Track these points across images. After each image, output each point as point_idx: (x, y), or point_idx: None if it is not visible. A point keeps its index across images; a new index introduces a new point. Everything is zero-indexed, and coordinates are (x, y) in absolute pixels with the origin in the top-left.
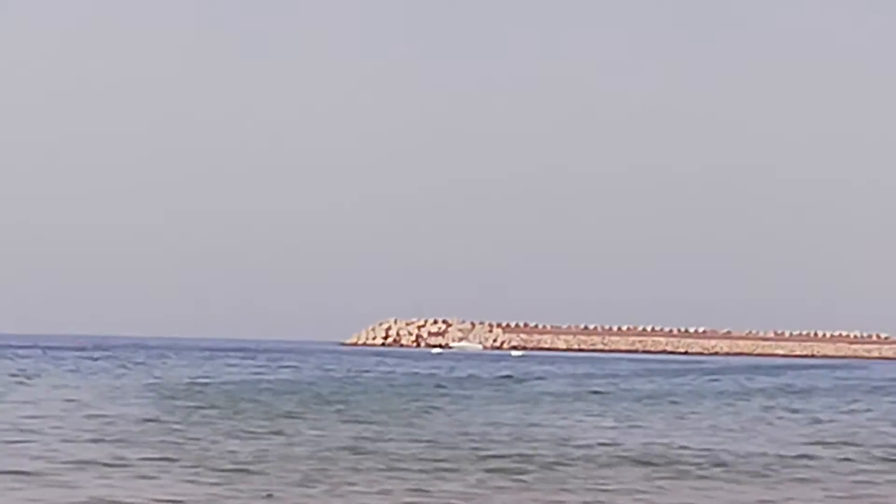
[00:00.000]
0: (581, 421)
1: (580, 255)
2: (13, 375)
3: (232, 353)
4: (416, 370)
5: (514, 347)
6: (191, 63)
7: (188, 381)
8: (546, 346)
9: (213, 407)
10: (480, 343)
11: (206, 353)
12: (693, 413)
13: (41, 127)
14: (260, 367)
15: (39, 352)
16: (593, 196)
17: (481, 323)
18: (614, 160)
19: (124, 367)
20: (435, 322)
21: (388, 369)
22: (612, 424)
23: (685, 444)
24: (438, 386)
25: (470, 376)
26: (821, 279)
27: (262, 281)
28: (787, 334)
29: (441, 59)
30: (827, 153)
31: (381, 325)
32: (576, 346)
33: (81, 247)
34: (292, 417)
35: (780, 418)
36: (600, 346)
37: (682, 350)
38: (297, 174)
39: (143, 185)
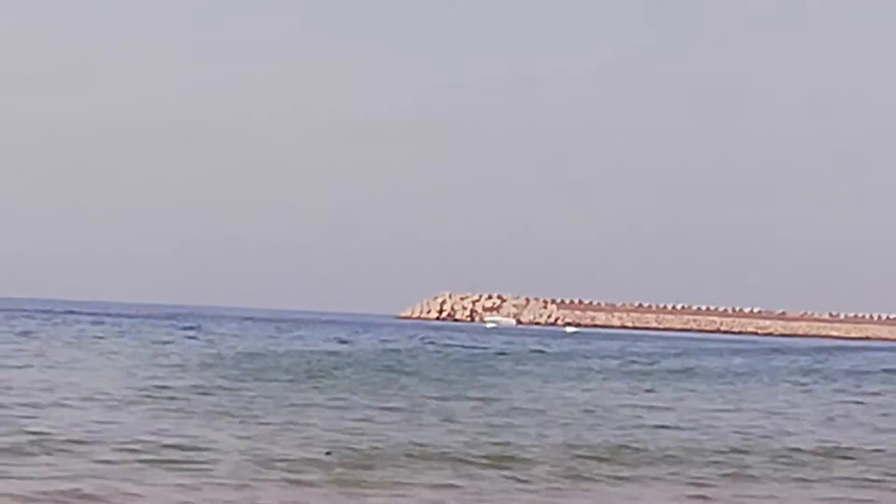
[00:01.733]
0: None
1: (635, 233)
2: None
3: (300, 324)
4: (482, 344)
5: (569, 324)
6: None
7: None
8: (600, 323)
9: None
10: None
11: (273, 325)
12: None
13: None
14: (333, 338)
15: (108, 318)
16: (648, 174)
17: (535, 298)
18: (666, 138)
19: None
20: (489, 297)
21: (471, 343)
22: (724, 406)
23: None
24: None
25: (558, 353)
26: (878, 261)
27: (319, 253)
28: (842, 316)
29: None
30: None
31: (435, 298)
32: (629, 324)
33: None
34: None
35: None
36: (654, 325)
37: (737, 330)
38: (349, 143)
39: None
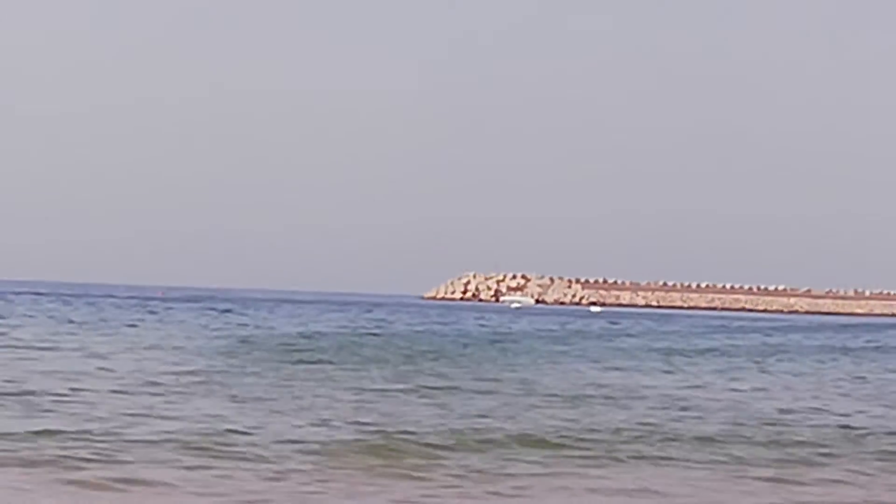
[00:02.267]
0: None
1: (659, 211)
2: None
3: (332, 306)
4: (518, 327)
5: (593, 303)
6: None
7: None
8: (625, 302)
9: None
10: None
11: (303, 306)
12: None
13: None
14: (378, 319)
15: (133, 301)
16: (671, 154)
17: (560, 278)
18: (683, 118)
19: (244, 317)
20: (514, 277)
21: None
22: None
23: None
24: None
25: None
26: None
27: (344, 234)
28: (867, 293)
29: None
30: None
31: (460, 279)
32: (654, 303)
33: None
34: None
35: None
36: (679, 303)
37: (762, 308)
38: (375, 125)
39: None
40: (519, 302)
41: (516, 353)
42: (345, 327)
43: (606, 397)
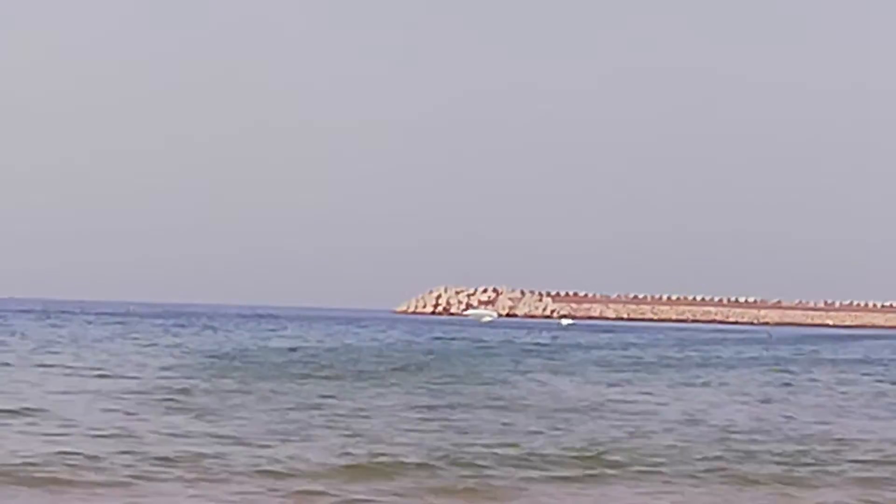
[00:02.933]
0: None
1: (628, 225)
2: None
3: (301, 322)
4: (514, 340)
5: (564, 316)
6: None
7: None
8: (595, 315)
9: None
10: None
11: (278, 321)
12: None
13: None
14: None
15: (95, 318)
16: (644, 165)
17: (531, 291)
18: (648, 135)
19: (213, 330)
20: (485, 290)
21: (484, 337)
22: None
23: None
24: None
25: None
26: (872, 249)
27: (314, 248)
28: (837, 304)
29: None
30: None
31: (431, 293)
32: (625, 315)
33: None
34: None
35: None
36: (650, 316)
37: (732, 320)
38: (346, 145)
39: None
40: (490, 315)
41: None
42: (344, 343)
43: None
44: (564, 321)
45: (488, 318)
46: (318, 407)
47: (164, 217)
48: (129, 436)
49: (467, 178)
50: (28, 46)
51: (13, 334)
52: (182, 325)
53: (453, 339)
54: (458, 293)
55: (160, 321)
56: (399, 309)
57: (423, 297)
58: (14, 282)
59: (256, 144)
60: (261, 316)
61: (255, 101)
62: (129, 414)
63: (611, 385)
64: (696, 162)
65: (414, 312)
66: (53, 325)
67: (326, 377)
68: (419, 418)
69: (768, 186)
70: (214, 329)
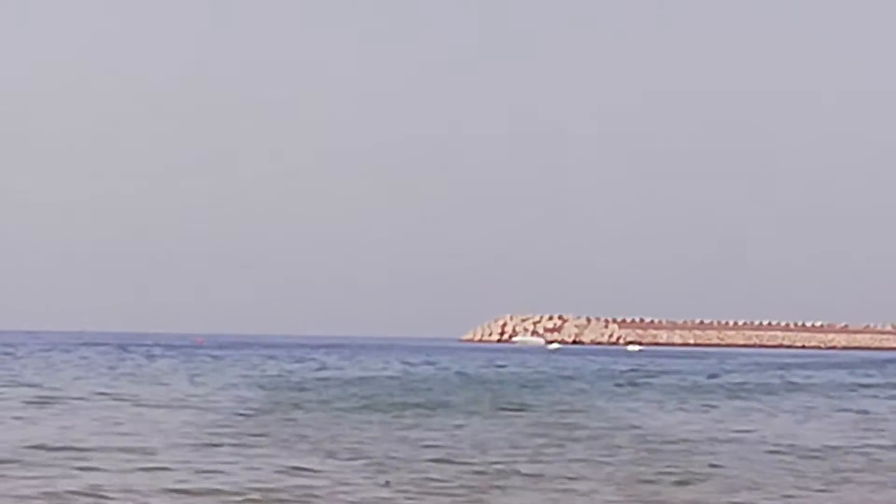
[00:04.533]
0: None
1: (692, 250)
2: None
3: (369, 351)
4: (602, 365)
5: (631, 342)
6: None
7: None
8: (662, 341)
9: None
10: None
11: (348, 350)
12: None
13: None
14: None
15: (174, 350)
16: (707, 191)
17: (597, 318)
18: (714, 162)
19: (299, 361)
20: (550, 318)
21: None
22: None
23: None
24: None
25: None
26: None
27: (380, 278)
28: None
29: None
30: None
31: (496, 321)
32: (692, 341)
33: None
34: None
35: None
36: (716, 341)
37: (800, 344)
38: (410, 174)
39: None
40: (540, 342)
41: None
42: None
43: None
44: (632, 347)
45: (556, 346)
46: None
47: (232, 251)
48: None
49: (532, 205)
50: (116, 83)
51: (90, 366)
52: (267, 356)
53: (533, 368)
54: (523, 321)
55: (229, 352)
56: (465, 337)
57: (488, 326)
58: (76, 315)
59: (324, 173)
60: (328, 346)
61: (319, 128)
62: (231, 446)
63: (740, 414)
64: (761, 187)
65: (480, 340)
66: (150, 358)
67: (427, 408)
68: (554, 452)
69: (834, 209)
70: (283, 359)
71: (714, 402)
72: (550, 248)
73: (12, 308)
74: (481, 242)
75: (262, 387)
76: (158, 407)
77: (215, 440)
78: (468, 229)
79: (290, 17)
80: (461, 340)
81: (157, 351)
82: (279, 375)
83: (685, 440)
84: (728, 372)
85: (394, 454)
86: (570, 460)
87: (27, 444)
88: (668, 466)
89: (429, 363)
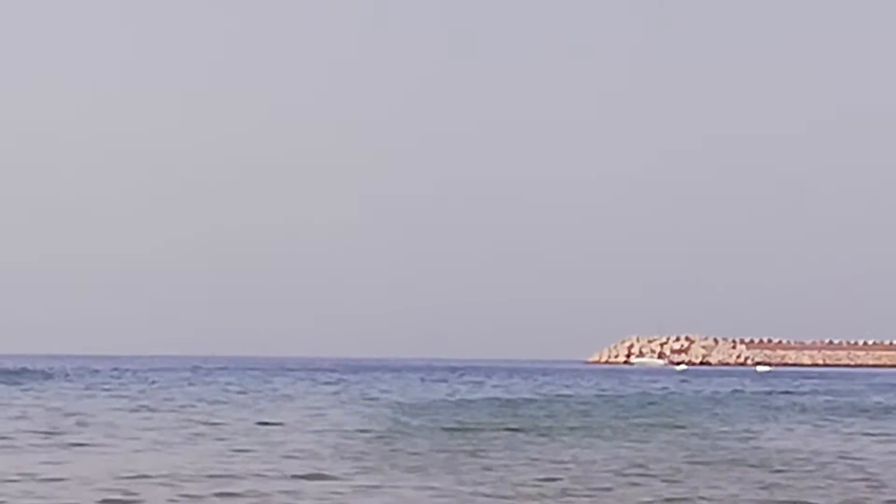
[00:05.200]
0: None
1: (821, 269)
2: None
3: (500, 373)
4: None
5: (760, 363)
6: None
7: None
8: (790, 361)
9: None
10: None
11: (479, 373)
12: None
13: None
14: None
15: (304, 374)
16: (833, 208)
17: (724, 339)
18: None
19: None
20: (677, 339)
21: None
22: None
23: None
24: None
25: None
26: None
27: (506, 301)
28: None
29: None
30: None
31: (623, 342)
32: (820, 362)
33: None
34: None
35: None
36: (846, 361)
37: None
38: (530, 195)
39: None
40: (682, 365)
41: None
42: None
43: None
44: (761, 368)
45: (683, 367)
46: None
47: (353, 274)
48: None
49: (659, 225)
50: (243, 110)
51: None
52: (406, 379)
53: (668, 389)
54: (650, 342)
55: (362, 376)
56: (591, 359)
57: (615, 347)
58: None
59: (446, 200)
60: (454, 369)
61: (450, 159)
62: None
63: None
64: (891, 205)
65: (606, 362)
66: (269, 383)
67: (591, 429)
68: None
69: None
70: (425, 381)
71: (877, 428)
72: (676, 269)
73: (138, 333)
74: (606, 264)
75: (416, 409)
76: (331, 431)
77: (413, 464)
78: (594, 250)
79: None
80: (587, 362)
81: (301, 375)
82: (444, 398)
83: (857, 467)
84: (882, 391)
85: (577, 474)
86: (747, 486)
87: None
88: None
89: (565, 385)
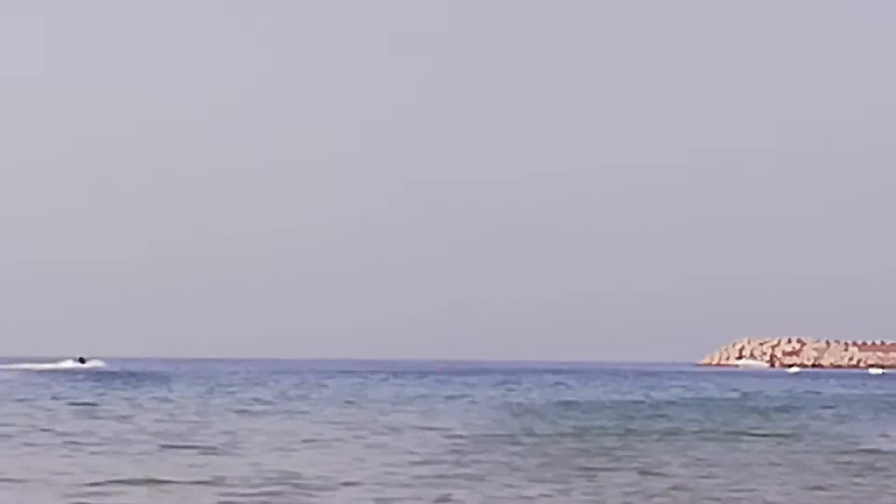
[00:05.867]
0: None
1: None
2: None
3: (614, 377)
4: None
5: (873, 366)
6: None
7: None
8: None
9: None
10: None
11: (605, 377)
12: None
13: None
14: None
15: (422, 378)
16: None
17: (836, 341)
18: None
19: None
20: (789, 341)
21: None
22: None
23: None
24: None
25: None
26: None
27: (614, 301)
28: None
29: None
30: None
31: (734, 345)
32: None
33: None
34: None
35: None
36: None
37: None
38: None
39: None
40: (795, 367)
41: None
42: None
43: None
44: (874, 370)
45: (795, 370)
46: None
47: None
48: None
49: (762, 223)
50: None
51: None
52: (512, 383)
53: (788, 392)
54: (761, 344)
55: (476, 378)
56: (702, 361)
57: (725, 350)
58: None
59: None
60: (566, 372)
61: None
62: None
63: None
64: None
65: (717, 364)
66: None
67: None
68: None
69: None
70: (538, 384)
71: None
72: (787, 270)
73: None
74: (718, 266)
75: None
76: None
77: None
78: (708, 249)
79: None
80: (697, 364)
81: (431, 378)
82: (571, 401)
83: None
84: None
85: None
86: None
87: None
88: None
89: (685, 388)
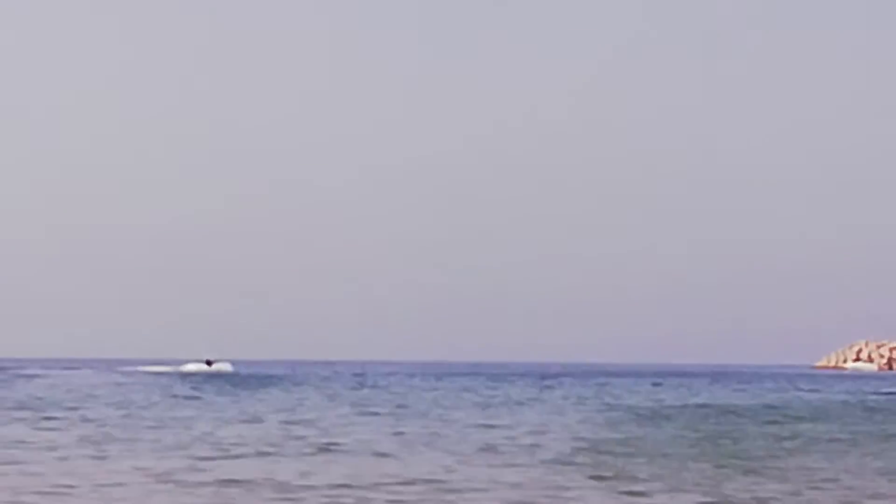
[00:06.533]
0: None
1: None
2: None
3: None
4: None
5: None
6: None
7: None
8: None
9: None
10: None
11: (706, 379)
12: None
13: None
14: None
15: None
16: None
17: None
18: None
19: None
20: None
21: None
22: None
23: None
24: None
25: None
26: None
27: (732, 306)
28: None
29: None
30: None
31: (851, 347)
32: None
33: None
34: None
35: None
36: None
37: None
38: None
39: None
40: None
41: None
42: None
43: None
44: None
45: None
46: None
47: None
48: None
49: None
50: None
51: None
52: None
53: None
54: (878, 347)
55: (580, 380)
56: (819, 364)
57: (843, 352)
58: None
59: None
60: (679, 374)
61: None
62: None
63: None
64: None
65: (835, 367)
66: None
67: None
68: None
69: None
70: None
71: None
72: None
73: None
74: (838, 269)
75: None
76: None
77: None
78: (825, 254)
79: None
80: (813, 367)
81: (548, 380)
82: (682, 404)
83: None
84: None
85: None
86: None
87: None
88: None
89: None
